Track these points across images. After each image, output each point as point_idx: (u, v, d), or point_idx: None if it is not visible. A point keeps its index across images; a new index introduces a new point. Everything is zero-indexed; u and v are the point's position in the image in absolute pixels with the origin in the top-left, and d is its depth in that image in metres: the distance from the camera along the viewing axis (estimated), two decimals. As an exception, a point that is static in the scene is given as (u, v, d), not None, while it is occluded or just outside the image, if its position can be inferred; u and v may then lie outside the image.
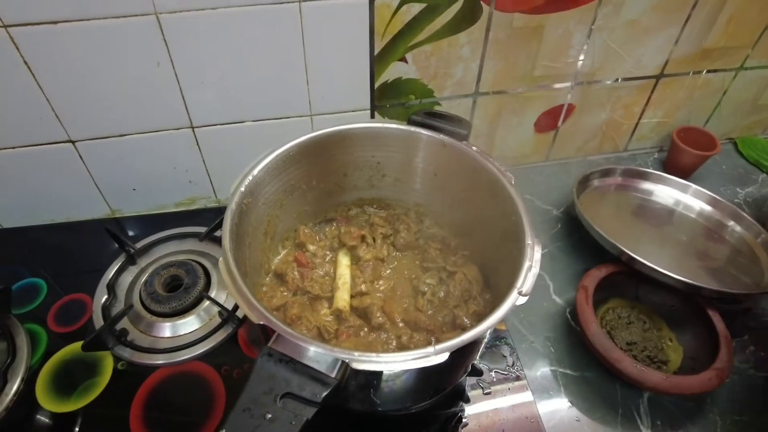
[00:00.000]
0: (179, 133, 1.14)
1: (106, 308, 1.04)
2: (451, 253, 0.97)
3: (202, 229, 1.18)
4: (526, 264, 0.72)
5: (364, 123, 0.92)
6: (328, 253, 0.99)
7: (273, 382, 0.60)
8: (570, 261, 1.18)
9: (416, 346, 0.79)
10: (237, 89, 1.09)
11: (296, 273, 0.92)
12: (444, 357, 0.63)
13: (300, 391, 0.60)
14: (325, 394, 0.60)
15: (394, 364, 0.64)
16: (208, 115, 1.12)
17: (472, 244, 0.95)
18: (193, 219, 1.24)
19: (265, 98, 1.10)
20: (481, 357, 1.00)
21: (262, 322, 0.65)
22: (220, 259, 0.70)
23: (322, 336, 0.86)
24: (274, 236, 0.94)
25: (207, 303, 1.04)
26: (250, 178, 0.82)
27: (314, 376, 0.61)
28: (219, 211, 1.25)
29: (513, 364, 0.99)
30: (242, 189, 0.81)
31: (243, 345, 1.01)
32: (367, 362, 0.63)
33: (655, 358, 0.99)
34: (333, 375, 0.62)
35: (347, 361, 0.63)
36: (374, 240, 0.99)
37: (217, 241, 1.14)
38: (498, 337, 1.04)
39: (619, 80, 1.29)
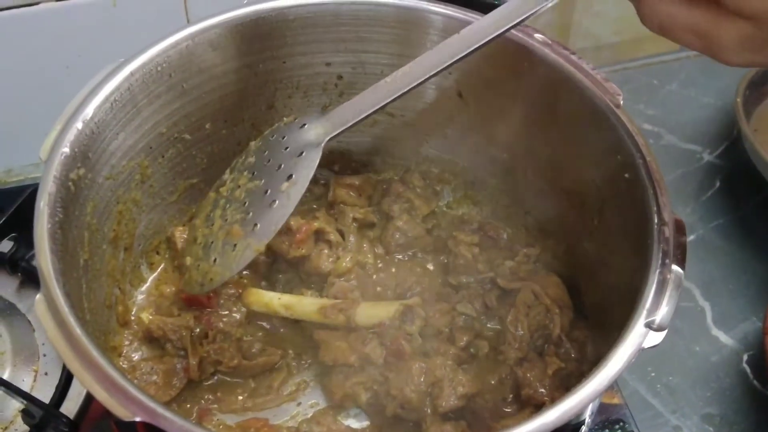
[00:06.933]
0: None
1: None
2: (503, 253, 0.77)
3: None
4: (657, 266, 0.54)
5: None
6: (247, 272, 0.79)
7: None
8: (743, 257, 0.92)
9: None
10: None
11: (190, 325, 0.71)
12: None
13: None
14: None
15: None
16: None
17: (544, 232, 0.77)
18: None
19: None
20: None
21: (139, 419, 0.46)
22: (39, 296, 0.52)
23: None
24: (131, 245, 0.74)
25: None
26: (80, 125, 0.62)
27: None
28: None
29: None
30: (65, 150, 0.61)
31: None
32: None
33: None
34: None
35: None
36: (343, 236, 0.76)
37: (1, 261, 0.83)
38: (608, 421, 0.81)
39: None
